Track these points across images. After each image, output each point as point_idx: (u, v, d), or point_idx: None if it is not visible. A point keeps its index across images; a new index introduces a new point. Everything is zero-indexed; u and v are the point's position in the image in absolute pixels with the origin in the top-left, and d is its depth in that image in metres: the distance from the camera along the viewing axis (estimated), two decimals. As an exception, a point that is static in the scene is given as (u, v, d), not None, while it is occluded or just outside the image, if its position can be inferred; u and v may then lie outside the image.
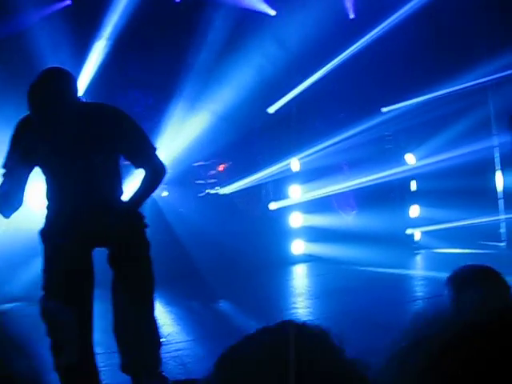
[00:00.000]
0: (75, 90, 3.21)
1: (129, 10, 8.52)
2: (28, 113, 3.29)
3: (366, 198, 9.29)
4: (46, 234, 3.37)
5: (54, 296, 3.19)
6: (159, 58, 9.17)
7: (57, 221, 3.36)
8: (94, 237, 3.35)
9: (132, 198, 3.39)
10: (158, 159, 3.46)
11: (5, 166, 3.24)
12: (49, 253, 3.32)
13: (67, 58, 7.67)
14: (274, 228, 8.67)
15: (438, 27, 9.78)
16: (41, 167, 3.37)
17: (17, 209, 3.25)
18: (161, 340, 3.48)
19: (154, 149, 3.46)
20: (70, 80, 3.22)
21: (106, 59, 8.44)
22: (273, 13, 9.69)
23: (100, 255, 3.46)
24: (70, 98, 3.17)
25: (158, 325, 3.46)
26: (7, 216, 3.23)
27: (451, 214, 8.82)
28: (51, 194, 3.38)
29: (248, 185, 9.02)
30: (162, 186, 8.06)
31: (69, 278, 3.23)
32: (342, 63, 9.76)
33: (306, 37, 9.05)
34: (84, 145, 3.27)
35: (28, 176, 3.29)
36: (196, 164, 8.96)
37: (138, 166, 3.44)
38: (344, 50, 9.79)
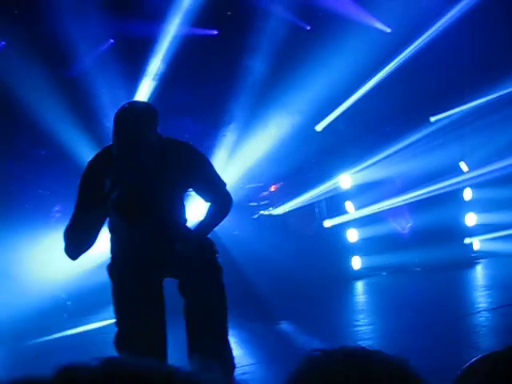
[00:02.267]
0: (157, 126, 3.29)
1: (177, 37, 8.77)
2: (99, 151, 3.39)
3: (420, 210, 9.17)
4: (114, 268, 3.38)
5: (128, 333, 3.21)
6: (205, 83, 9.32)
7: (124, 254, 3.37)
8: (164, 267, 3.37)
9: (200, 226, 3.43)
10: (228, 193, 3.51)
11: (78, 207, 3.27)
12: (118, 288, 3.32)
13: (118, 87, 7.97)
14: (330, 245, 8.65)
15: (481, 31, 9.67)
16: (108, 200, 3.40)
17: (85, 251, 3.27)
18: (234, 363, 3.48)
19: (225, 184, 3.52)
20: (156, 116, 3.29)
21: (155, 87, 8.68)
22: (307, 27, 9.81)
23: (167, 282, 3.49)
24: (153, 133, 3.27)
25: (232, 349, 3.47)
26: (74, 258, 3.26)
27: (510, 219, 8.65)
28: (116, 226, 3.39)
29: (301, 204, 9.03)
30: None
31: (142, 313, 3.24)
32: (386, 77, 9.75)
33: (347, 53, 9.10)
34: (159, 179, 3.32)
35: (104, 216, 3.31)
36: (248, 186, 9.04)
37: (208, 200, 3.49)
38: (387, 64, 9.78)
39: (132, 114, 3.23)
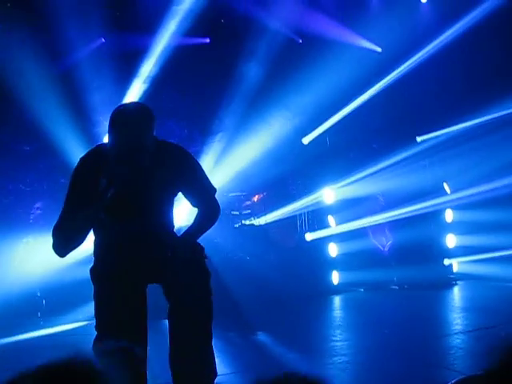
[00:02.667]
0: (154, 128, 3.27)
1: (167, 42, 8.76)
2: (92, 148, 3.35)
3: (401, 228, 9.21)
4: (97, 272, 3.31)
5: (108, 336, 3.15)
6: (195, 89, 9.31)
7: (109, 258, 3.30)
8: (149, 272, 3.32)
9: (189, 232, 3.38)
10: (216, 201, 3.48)
11: (69, 203, 3.22)
12: (101, 292, 3.25)
13: (108, 85, 7.93)
14: (311, 258, 8.64)
15: (472, 56, 9.78)
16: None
17: (74, 249, 3.22)
18: (216, 371, 3.43)
19: (215, 190, 3.48)
20: (154, 118, 3.26)
21: (145, 89, 8.66)
22: (299, 40, 9.86)
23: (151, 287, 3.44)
24: (151, 135, 3.25)
25: (215, 355, 3.41)
26: (63, 256, 3.21)
27: (489, 243, 8.71)
28: (102, 228, 3.32)
29: (283, 215, 9.03)
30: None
31: (123, 318, 3.18)
32: (375, 94, 9.81)
33: (338, 68, 9.15)
34: (153, 180, 3.28)
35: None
36: (231, 194, 9.01)
37: (196, 205, 3.46)
38: (377, 82, 9.85)
39: (133, 115, 3.20)
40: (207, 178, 3.47)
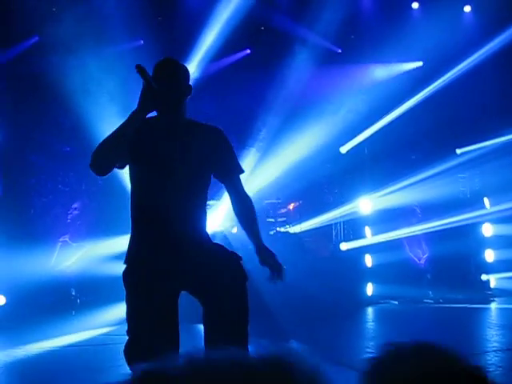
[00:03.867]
0: (188, 79, 3.37)
1: (207, 50, 8.80)
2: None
3: (438, 241, 9.08)
4: (129, 277, 3.27)
5: (139, 342, 3.13)
6: (232, 98, 9.32)
7: (140, 263, 3.24)
8: (182, 277, 3.26)
9: (257, 235, 3.37)
10: (242, 185, 3.46)
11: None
12: (133, 298, 3.21)
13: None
14: (345, 268, 8.56)
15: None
16: (135, 172, 3.27)
17: (112, 161, 3.13)
18: None
19: (243, 171, 3.48)
20: (188, 72, 3.40)
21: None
22: (338, 50, 9.82)
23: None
24: (187, 84, 3.32)
25: None
26: (101, 170, 3.14)
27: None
28: (137, 214, 3.26)
29: (318, 224, 8.98)
30: (232, 222, 8.24)
31: (154, 324, 3.14)
32: (416, 105, 9.71)
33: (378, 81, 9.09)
34: (189, 154, 3.24)
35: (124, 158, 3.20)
36: (267, 201, 9.00)
37: (226, 183, 3.41)
38: (417, 92, 9.75)
39: (172, 61, 3.30)
40: (237, 158, 3.48)
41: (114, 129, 3.15)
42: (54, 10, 8.40)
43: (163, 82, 3.16)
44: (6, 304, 7.68)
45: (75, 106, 8.00)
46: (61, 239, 8.51)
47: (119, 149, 3.13)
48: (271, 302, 7.08)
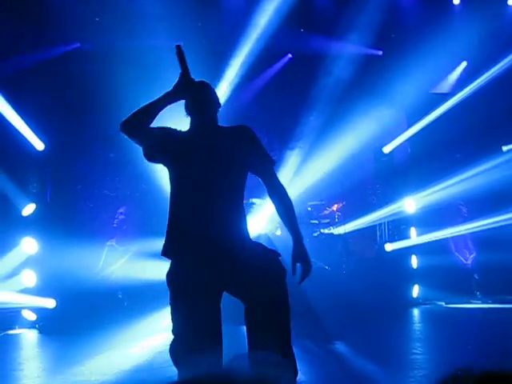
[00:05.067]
0: (218, 97, 3.60)
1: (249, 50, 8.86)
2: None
3: (485, 241, 8.93)
4: (172, 278, 3.28)
5: (183, 341, 3.19)
6: (276, 98, 9.36)
7: (183, 263, 3.32)
8: (223, 277, 3.30)
9: (297, 233, 3.41)
10: (277, 177, 3.55)
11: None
12: (176, 298, 3.25)
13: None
14: (390, 269, 8.50)
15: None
16: (174, 172, 3.40)
17: (139, 131, 3.32)
18: (297, 370, 3.38)
19: (274, 162, 3.58)
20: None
21: (226, 96, 8.78)
22: (379, 52, 9.74)
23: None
24: (217, 99, 3.56)
25: (295, 356, 3.37)
26: (130, 130, 3.31)
27: None
28: (176, 214, 3.35)
29: (362, 225, 8.93)
30: (276, 224, 8.25)
31: (198, 324, 3.19)
32: (459, 103, 9.58)
33: (420, 77, 8.98)
34: (223, 156, 3.36)
35: (156, 148, 3.38)
36: (310, 203, 8.99)
37: (261, 177, 3.51)
38: (460, 90, 9.62)
39: (209, 87, 3.52)
40: (267, 151, 3.56)
41: (148, 102, 3.39)
42: (97, 19, 8.58)
43: (198, 91, 3.42)
44: (56, 307, 7.86)
45: (119, 112, 8.13)
46: (108, 243, 8.67)
47: (148, 117, 3.35)
48: (316, 304, 7.08)
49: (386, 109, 9.20)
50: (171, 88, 3.40)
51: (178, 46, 3.33)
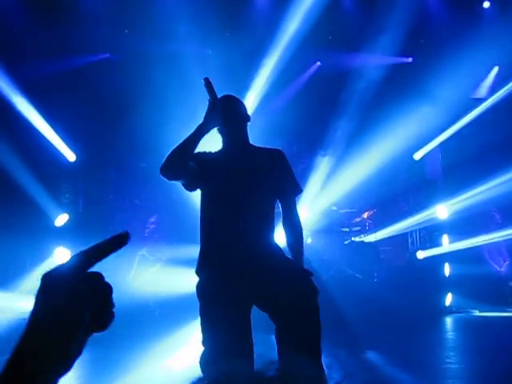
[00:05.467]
0: (247, 111, 3.65)
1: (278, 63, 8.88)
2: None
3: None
4: (202, 290, 3.31)
5: (213, 353, 3.19)
6: (306, 108, 9.34)
7: (212, 276, 3.34)
8: (253, 291, 3.31)
9: (299, 256, 3.41)
10: (297, 209, 3.57)
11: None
12: (206, 310, 3.27)
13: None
14: (422, 277, 8.40)
15: None
16: (206, 191, 3.45)
17: (180, 172, 3.33)
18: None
19: (301, 190, 3.62)
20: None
21: (255, 105, 8.81)
22: (409, 59, 9.67)
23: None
24: (246, 113, 3.60)
25: (325, 371, 3.36)
26: (171, 174, 3.32)
27: None
28: (207, 239, 3.38)
29: (393, 233, 8.85)
30: (307, 232, 8.23)
31: (228, 336, 3.20)
32: (491, 108, 9.45)
33: (452, 84, 8.89)
34: (253, 174, 3.41)
35: (193, 173, 3.39)
36: (341, 211, 8.94)
37: (283, 202, 3.53)
38: (493, 94, 9.49)
39: (237, 102, 3.59)
40: (295, 178, 3.57)
41: (183, 139, 3.38)
42: (127, 31, 8.70)
43: (226, 110, 3.46)
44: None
45: (149, 122, 8.22)
46: (139, 253, 8.74)
47: (187, 156, 3.35)
48: (347, 312, 7.02)
49: (417, 115, 9.12)
50: (203, 119, 3.41)
51: (207, 79, 3.37)
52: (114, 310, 1.06)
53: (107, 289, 1.04)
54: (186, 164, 3.35)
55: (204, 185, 3.47)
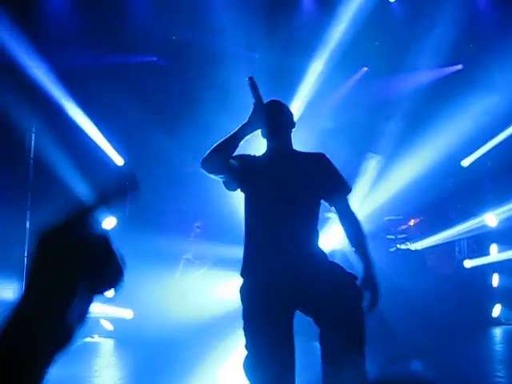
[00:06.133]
0: (292, 115, 3.65)
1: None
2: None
3: None
4: (246, 294, 3.31)
5: (255, 357, 3.20)
6: (353, 113, 9.27)
7: (256, 280, 3.34)
8: (297, 295, 3.30)
9: (367, 258, 3.37)
10: (350, 205, 3.53)
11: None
12: (249, 314, 3.25)
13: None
14: (470, 287, 8.23)
15: None
16: (250, 195, 3.46)
17: (219, 168, 3.34)
18: None
19: (350, 189, 3.57)
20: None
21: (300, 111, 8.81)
22: (459, 66, 9.52)
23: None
24: (292, 118, 3.61)
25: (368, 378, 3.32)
26: (211, 169, 3.34)
27: None
28: (252, 242, 3.38)
29: (440, 241, 8.71)
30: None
31: (270, 341, 3.20)
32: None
33: (500, 89, 8.72)
34: (297, 178, 3.40)
35: (235, 176, 3.41)
36: (387, 218, 8.84)
37: (335, 204, 3.50)
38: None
39: (284, 107, 3.58)
40: (344, 178, 3.53)
41: (226, 136, 3.42)
42: (174, 38, 8.80)
43: (272, 115, 3.46)
44: (133, 318, 8.03)
45: (195, 127, 8.29)
46: (184, 256, 8.81)
47: (227, 152, 3.38)
48: (393, 321, 6.93)
49: (467, 120, 8.96)
50: (247, 119, 3.44)
51: (251, 78, 3.38)
52: (120, 264, 1.03)
53: (103, 247, 1.03)
54: (226, 160, 3.37)
55: (247, 188, 3.48)
